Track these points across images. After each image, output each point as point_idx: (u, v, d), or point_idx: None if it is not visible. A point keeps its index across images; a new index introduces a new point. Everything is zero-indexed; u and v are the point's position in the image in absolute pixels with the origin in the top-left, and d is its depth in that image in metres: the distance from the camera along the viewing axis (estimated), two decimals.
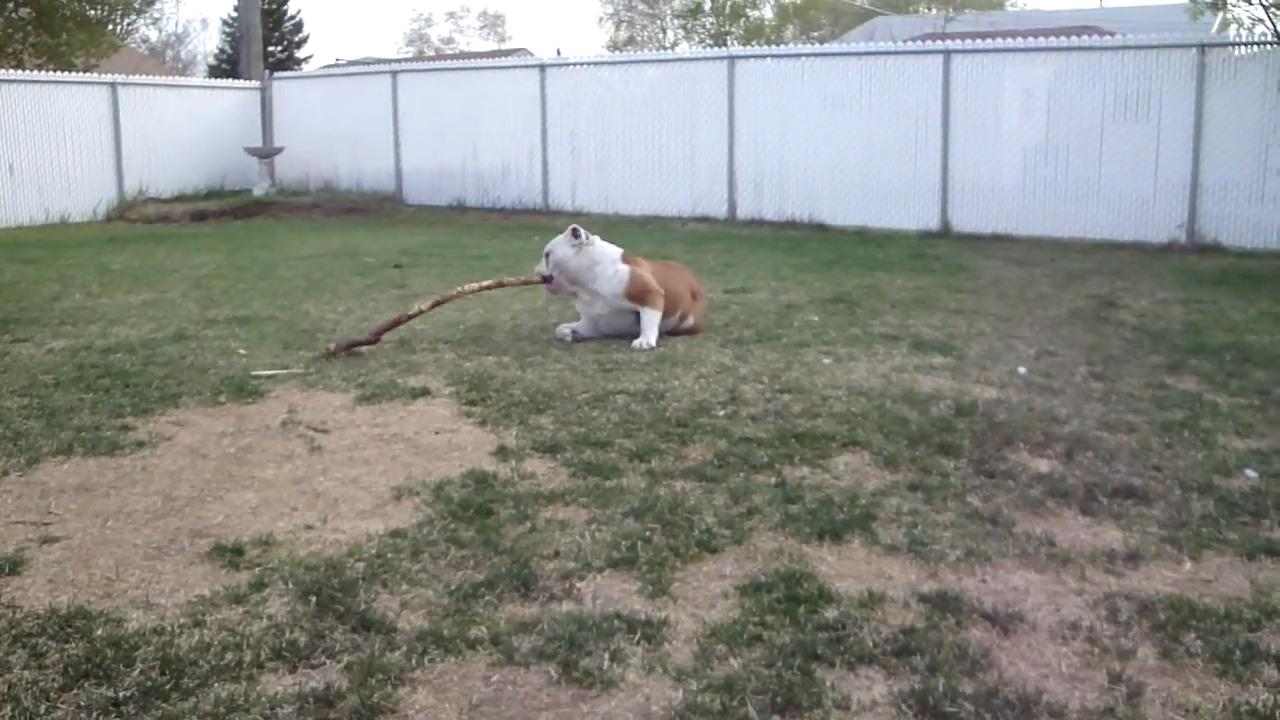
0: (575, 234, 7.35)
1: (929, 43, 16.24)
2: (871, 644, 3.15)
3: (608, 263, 7.38)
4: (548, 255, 7.43)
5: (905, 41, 17.43)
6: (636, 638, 3.19)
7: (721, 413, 5.57)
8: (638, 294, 7.31)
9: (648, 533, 3.97)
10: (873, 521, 4.10)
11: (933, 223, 15.26)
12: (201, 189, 20.00)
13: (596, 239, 7.45)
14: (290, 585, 3.53)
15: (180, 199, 19.36)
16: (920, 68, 15.42)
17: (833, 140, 15.98)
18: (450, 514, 4.15)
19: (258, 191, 19.78)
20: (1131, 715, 2.83)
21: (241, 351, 7.14)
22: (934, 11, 44.29)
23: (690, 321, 7.66)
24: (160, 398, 5.92)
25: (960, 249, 13.45)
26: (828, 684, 2.95)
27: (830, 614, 3.34)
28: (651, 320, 7.28)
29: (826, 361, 6.78)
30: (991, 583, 3.60)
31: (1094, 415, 5.57)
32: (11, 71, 18.99)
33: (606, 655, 3.08)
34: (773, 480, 4.56)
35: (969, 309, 8.86)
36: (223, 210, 18.63)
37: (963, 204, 15.17)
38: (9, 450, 5.00)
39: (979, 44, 15.46)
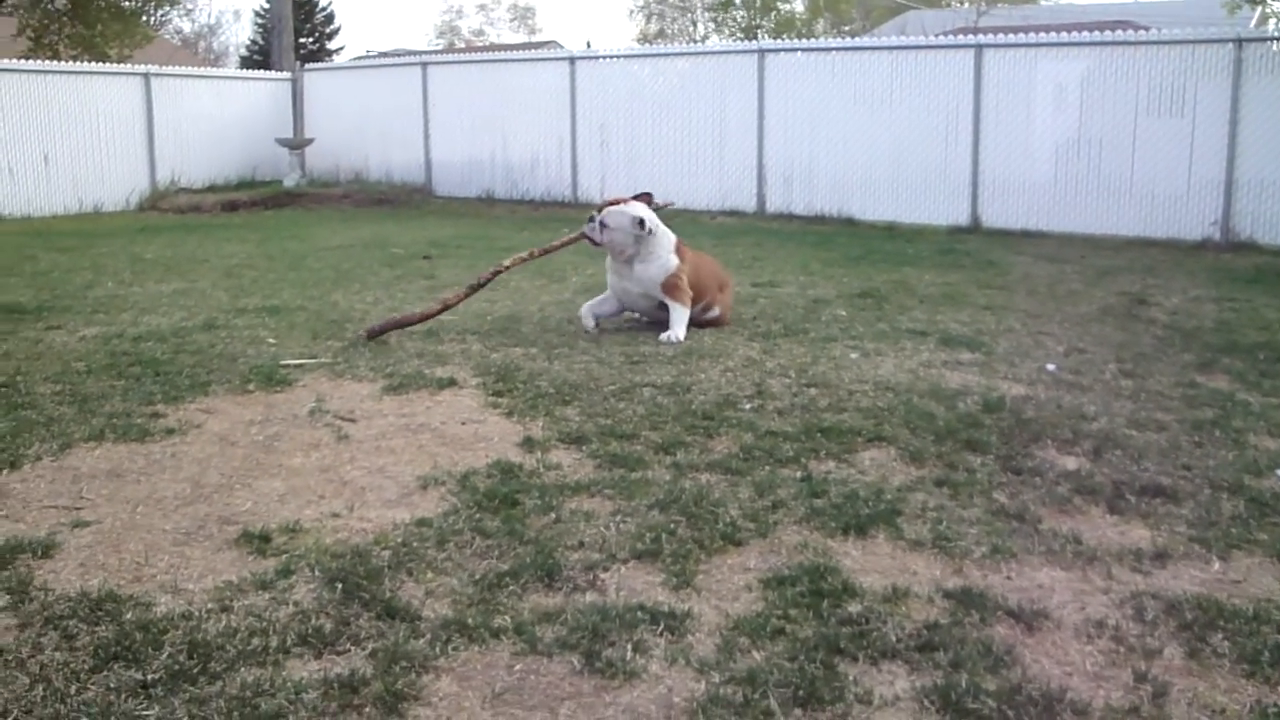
0: (641, 225, 7.28)
1: (961, 37, 16.11)
2: (895, 639, 3.14)
3: (661, 250, 7.39)
4: (602, 224, 7.35)
5: (937, 36, 17.31)
6: (659, 629, 3.19)
7: (748, 406, 5.57)
8: (670, 288, 7.32)
9: (672, 525, 3.97)
10: (898, 516, 4.09)
11: (963, 218, 15.20)
12: (233, 179, 20.14)
13: (660, 227, 7.42)
14: (316, 572, 3.55)
15: (212, 189, 19.51)
16: (952, 62, 15.34)
17: (863, 135, 15.93)
18: (476, 504, 4.16)
19: (288, 182, 19.90)
20: (1157, 715, 2.81)
21: (271, 341, 7.18)
22: (966, 6, 43.97)
23: (715, 312, 7.65)
24: (190, 385, 5.97)
25: (990, 245, 13.39)
26: (850, 678, 2.94)
27: (854, 608, 3.33)
28: (681, 316, 7.29)
29: (853, 356, 6.77)
30: (1017, 580, 3.58)
31: (1123, 413, 5.54)
32: (46, 62, 19.16)
33: (629, 646, 3.09)
34: (798, 474, 4.55)
35: (998, 305, 8.82)
36: (254, 200, 18.76)
37: (993, 200, 15.10)
38: (42, 435, 5.05)
39: (1012, 39, 15.35)
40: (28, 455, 4.78)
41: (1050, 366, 6.53)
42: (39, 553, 3.72)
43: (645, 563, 3.66)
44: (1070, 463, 4.75)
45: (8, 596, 3.39)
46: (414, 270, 10.61)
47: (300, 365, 6.48)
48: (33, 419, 5.33)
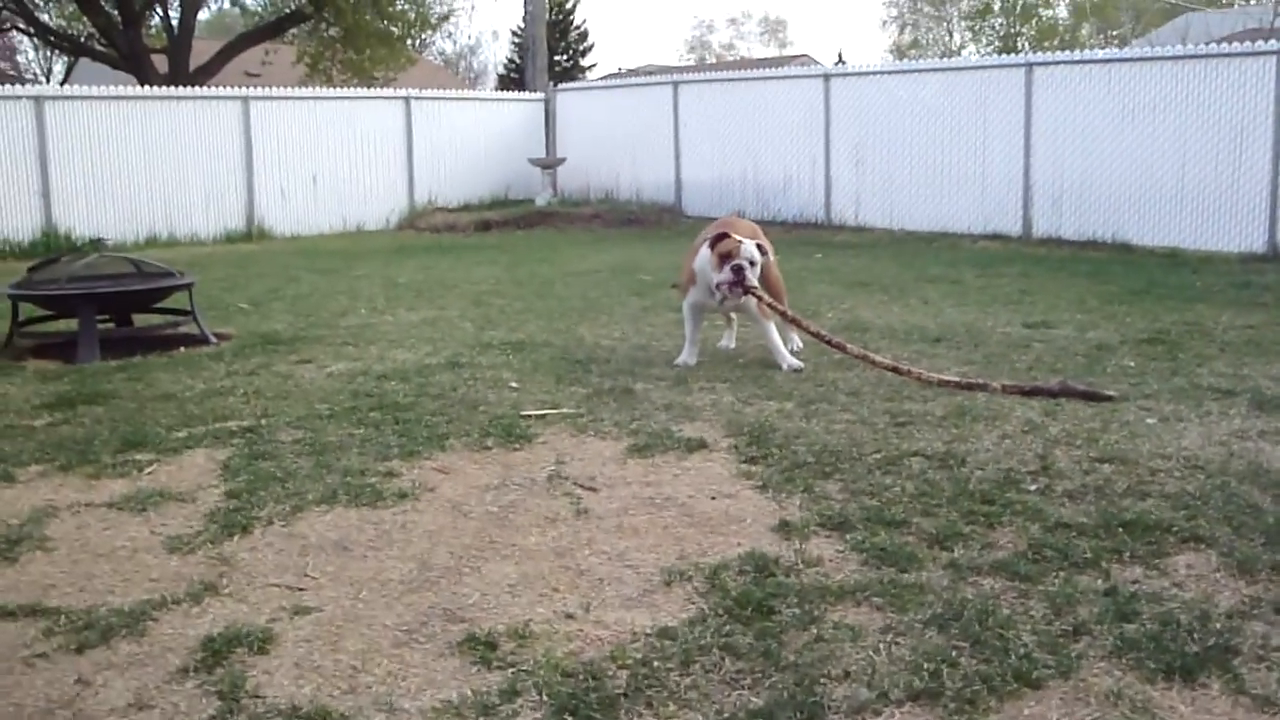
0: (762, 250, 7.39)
1: (1255, 43, 14.60)
2: None
3: None
4: (751, 263, 7.19)
5: (1222, 42, 15.85)
6: None
7: (1032, 487, 4.87)
8: (760, 311, 7.43)
9: (954, 652, 3.37)
10: (1233, 656, 3.34)
11: (1258, 244, 13.75)
12: (486, 198, 20.50)
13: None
14: (544, 696, 3.13)
15: (466, 208, 19.90)
16: (1243, 71, 13.92)
17: (1140, 152, 14.67)
18: (726, 610, 3.67)
19: (540, 201, 20.07)
20: None
21: (513, 384, 6.93)
22: (1255, 3, 40.41)
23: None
24: (428, 438, 5.74)
25: None
26: None
27: None
28: (775, 338, 7.47)
29: (1150, 421, 5.94)
30: None
31: None
32: (320, 90, 20.04)
33: None
34: (1100, 584, 3.86)
35: None
36: (506, 220, 18.99)
37: None
38: (277, 494, 4.89)
39: None
40: (259, 518, 4.61)
41: None
42: (255, 647, 3.45)
43: (924, 706, 3.08)
44: None
45: (219, 702, 3.13)
46: (662, 301, 10.19)
47: (542, 416, 6.17)
48: (270, 472, 5.20)
